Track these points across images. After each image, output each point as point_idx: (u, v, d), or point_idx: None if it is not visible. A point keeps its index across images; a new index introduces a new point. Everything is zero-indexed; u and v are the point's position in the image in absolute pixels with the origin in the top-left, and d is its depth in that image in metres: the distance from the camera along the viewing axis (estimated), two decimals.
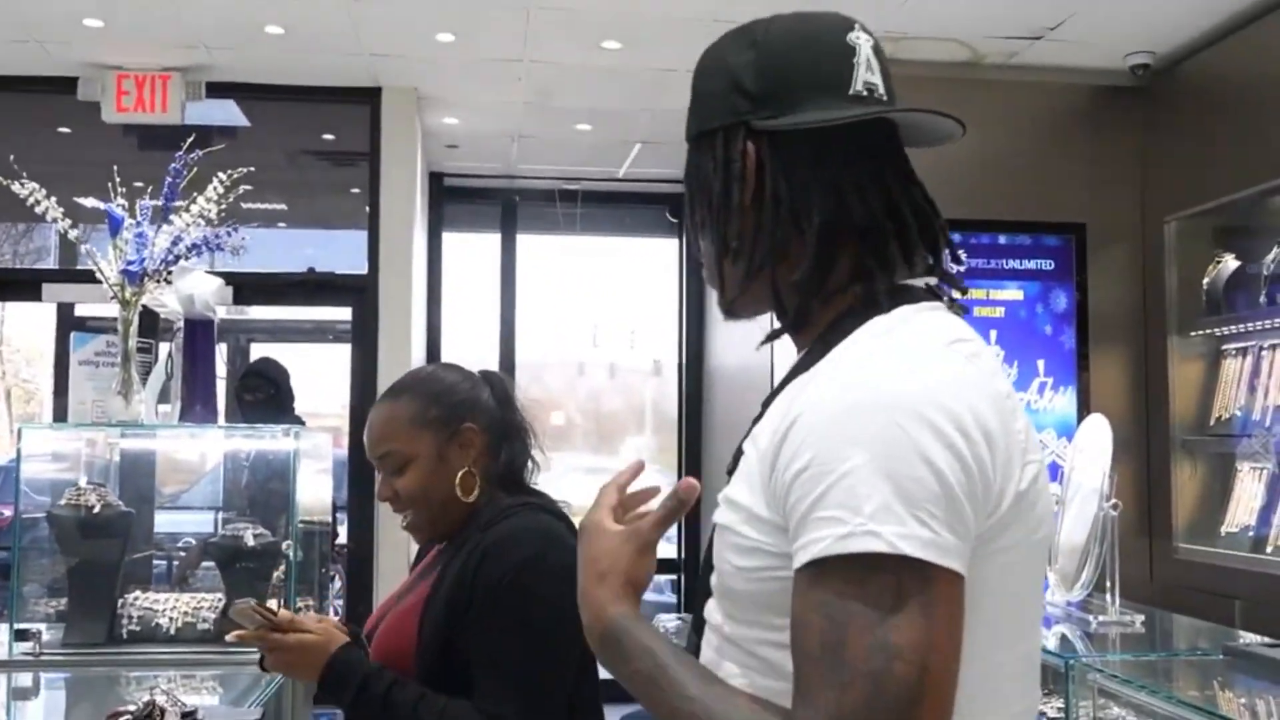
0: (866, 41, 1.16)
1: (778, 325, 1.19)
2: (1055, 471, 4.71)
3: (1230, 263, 4.60)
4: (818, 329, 1.13)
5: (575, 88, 5.48)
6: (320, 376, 6.97)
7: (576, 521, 1.86)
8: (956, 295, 1.18)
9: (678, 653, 1.05)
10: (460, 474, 1.90)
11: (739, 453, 1.10)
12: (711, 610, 1.11)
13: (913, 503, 0.91)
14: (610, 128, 6.15)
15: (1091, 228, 5.00)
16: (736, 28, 1.19)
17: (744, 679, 1.04)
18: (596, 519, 1.17)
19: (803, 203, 1.11)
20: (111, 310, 5.51)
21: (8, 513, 9.84)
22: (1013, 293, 4.95)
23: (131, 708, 2.15)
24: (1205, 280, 4.67)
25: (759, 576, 1.02)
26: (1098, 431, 3.21)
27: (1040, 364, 4.92)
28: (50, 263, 7.25)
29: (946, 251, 1.21)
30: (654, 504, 1.25)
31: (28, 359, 16.51)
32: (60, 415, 3.46)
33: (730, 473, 1.11)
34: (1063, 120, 5.06)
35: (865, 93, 1.15)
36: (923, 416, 0.93)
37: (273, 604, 2.16)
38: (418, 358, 5.99)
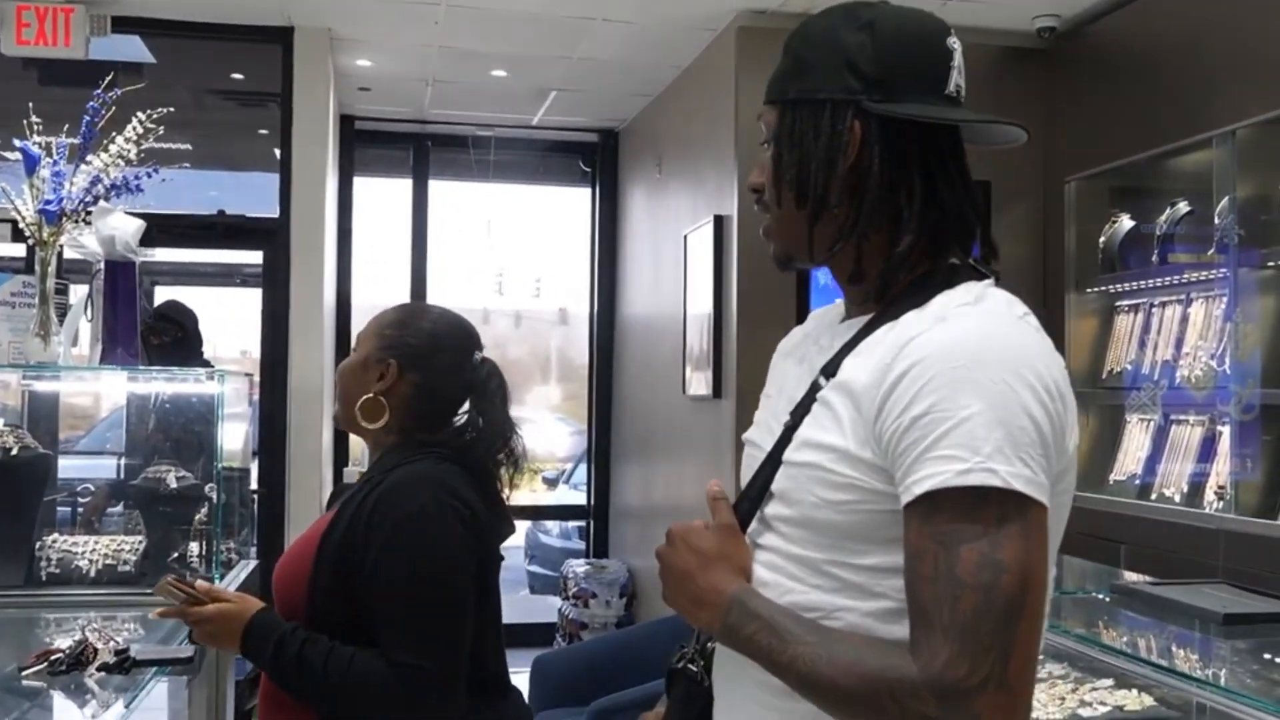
0: (959, 48, 1.33)
1: (839, 281, 1.32)
2: None
3: (1126, 222, 4.79)
4: (893, 291, 1.25)
5: (492, 33, 5.45)
6: (228, 320, 6.88)
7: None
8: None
9: (792, 612, 1.17)
10: (365, 398, 2.02)
11: (811, 397, 1.23)
12: (771, 538, 1.24)
13: (1018, 447, 1.07)
14: (526, 75, 6.13)
15: (995, 185, 5.12)
16: (841, 5, 1.30)
17: (804, 594, 1.19)
18: (686, 525, 1.28)
19: (904, 183, 1.24)
20: (4, 250, 5.37)
21: None
22: None
23: (64, 645, 2.16)
24: (1101, 239, 4.85)
25: (849, 509, 1.16)
26: None
27: None
28: None
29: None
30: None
31: None
32: None
33: (797, 414, 1.24)
34: (971, 81, 5.15)
35: (955, 94, 1.31)
36: (1023, 376, 1.10)
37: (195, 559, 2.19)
38: (329, 302, 5.95)
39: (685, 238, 5.64)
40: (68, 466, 5.78)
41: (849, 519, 1.16)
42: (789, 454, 1.23)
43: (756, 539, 1.27)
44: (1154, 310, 4.57)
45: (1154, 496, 4.40)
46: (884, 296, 1.26)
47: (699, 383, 5.40)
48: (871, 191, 1.24)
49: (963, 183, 1.32)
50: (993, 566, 1.04)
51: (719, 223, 5.18)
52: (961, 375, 1.09)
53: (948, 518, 1.07)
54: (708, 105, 5.49)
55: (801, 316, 4.95)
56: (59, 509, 4.38)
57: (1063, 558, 3.53)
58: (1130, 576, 3.36)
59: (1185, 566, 3.83)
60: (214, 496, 2.87)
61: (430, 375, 2.04)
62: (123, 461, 5.20)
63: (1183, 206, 4.47)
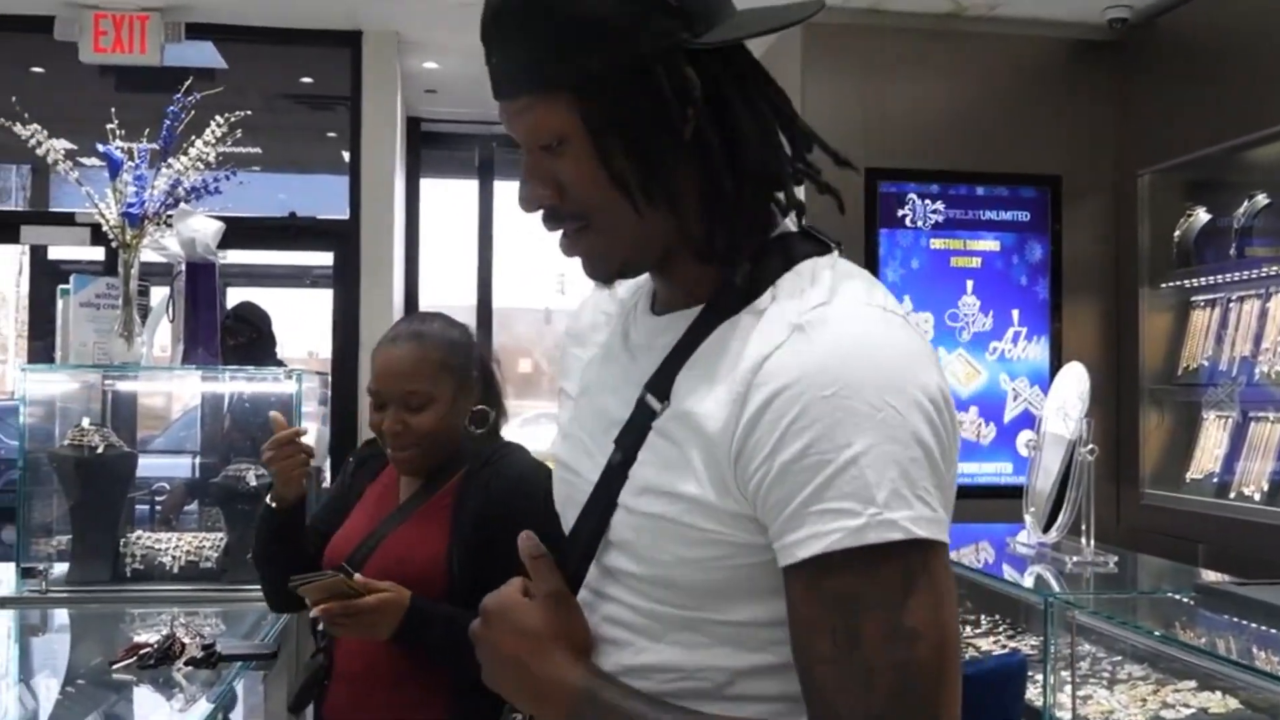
0: None
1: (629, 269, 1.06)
2: (1031, 420, 4.83)
3: (1201, 216, 4.70)
4: (713, 278, 1.02)
5: None
6: (299, 321, 6.97)
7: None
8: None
9: (654, 700, 0.98)
10: (475, 409, 2.07)
11: (643, 424, 1.01)
12: (617, 590, 1.03)
13: (914, 484, 0.89)
14: None
15: (1067, 180, 5.08)
16: None
17: (661, 653, 1.00)
18: (504, 600, 1.04)
19: (751, 127, 1.01)
20: (83, 254, 5.48)
21: None
22: (989, 244, 5.03)
23: (152, 639, 2.21)
24: (1176, 233, 4.77)
25: (714, 566, 0.97)
26: (1075, 379, 3.29)
27: (1015, 313, 5.01)
28: (13, 205, 7.16)
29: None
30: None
31: None
32: (48, 356, 3.47)
33: (626, 445, 1.02)
34: (1041, 73, 5.12)
35: None
36: (908, 394, 0.90)
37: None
38: (398, 303, 6.01)
39: None
40: (144, 465, 5.91)
41: (715, 576, 0.97)
42: (629, 499, 1.00)
43: (598, 588, 1.05)
44: (1231, 305, 4.48)
45: (1233, 495, 4.32)
46: (695, 280, 1.03)
47: None
48: (747, 146, 1.00)
49: (789, 110, 1.05)
50: (904, 638, 0.87)
51: None
52: (837, 404, 0.88)
53: (841, 583, 0.88)
54: None
55: None
56: (137, 506, 4.48)
57: (1138, 556, 3.48)
58: (1210, 576, 3.29)
59: (1267, 567, 3.76)
60: None
61: (479, 367, 2.12)
62: (198, 460, 5.30)
63: (1261, 199, 4.39)
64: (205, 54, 5.68)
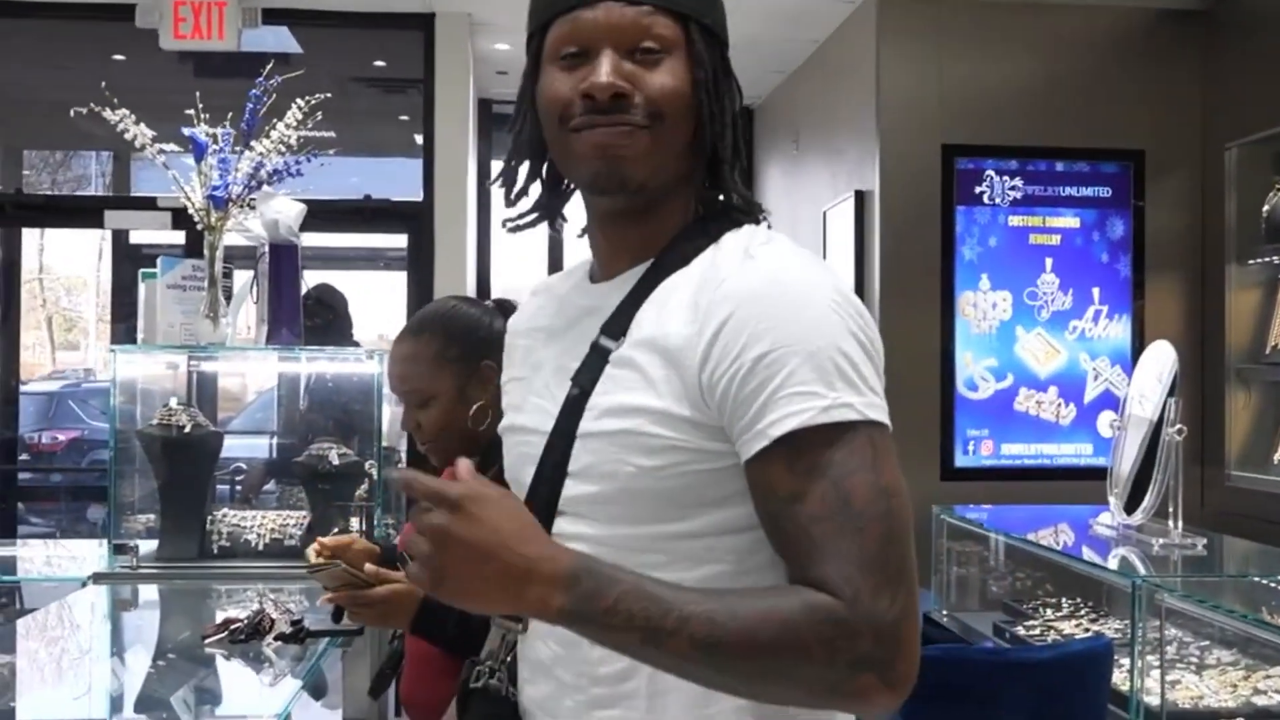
0: None
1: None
2: (1112, 400, 4.75)
3: None
4: (661, 237, 1.18)
5: None
6: (374, 302, 7.05)
7: None
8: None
9: (651, 579, 1.01)
10: (477, 405, 1.94)
11: (600, 361, 1.12)
12: (576, 524, 1.11)
13: (862, 377, 1.05)
14: None
15: (1150, 154, 4.97)
16: None
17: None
18: (476, 489, 0.99)
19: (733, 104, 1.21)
20: (164, 238, 5.56)
21: (63, 437, 9.99)
22: (1069, 220, 4.94)
23: (243, 615, 2.25)
24: (1265, 208, 4.64)
25: (671, 473, 1.08)
26: (1161, 358, 3.23)
27: (1095, 292, 4.92)
28: (94, 190, 7.31)
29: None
30: None
31: (67, 288, 16.68)
32: (130, 339, 3.54)
33: (582, 382, 1.13)
34: (1123, 45, 5.01)
35: None
36: (847, 304, 1.08)
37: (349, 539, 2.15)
38: (471, 285, 6.05)
39: (825, 214, 5.58)
40: (224, 445, 6.03)
41: (671, 484, 1.08)
42: (588, 426, 1.12)
43: (560, 531, 1.11)
44: None
45: None
46: (670, 243, 1.17)
47: None
48: (728, 118, 1.19)
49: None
50: (883, 493, 1.02)
51: (860, 198, 5.11)
52: (795, 312, 1.05)
53: (820, 454, 1.03)
54: (847, 79, 5.41)
55: (948, 290, 4.84)
56: (217, 486, 4.57)
57: (1224, 539, 3.41)
58: None
59: None
60: (374, 473, 2.95)
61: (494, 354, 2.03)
62: (275, 440, 5.38)
63: None
64: (281, 38, 5.75)
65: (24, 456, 8.46)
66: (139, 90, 6.05)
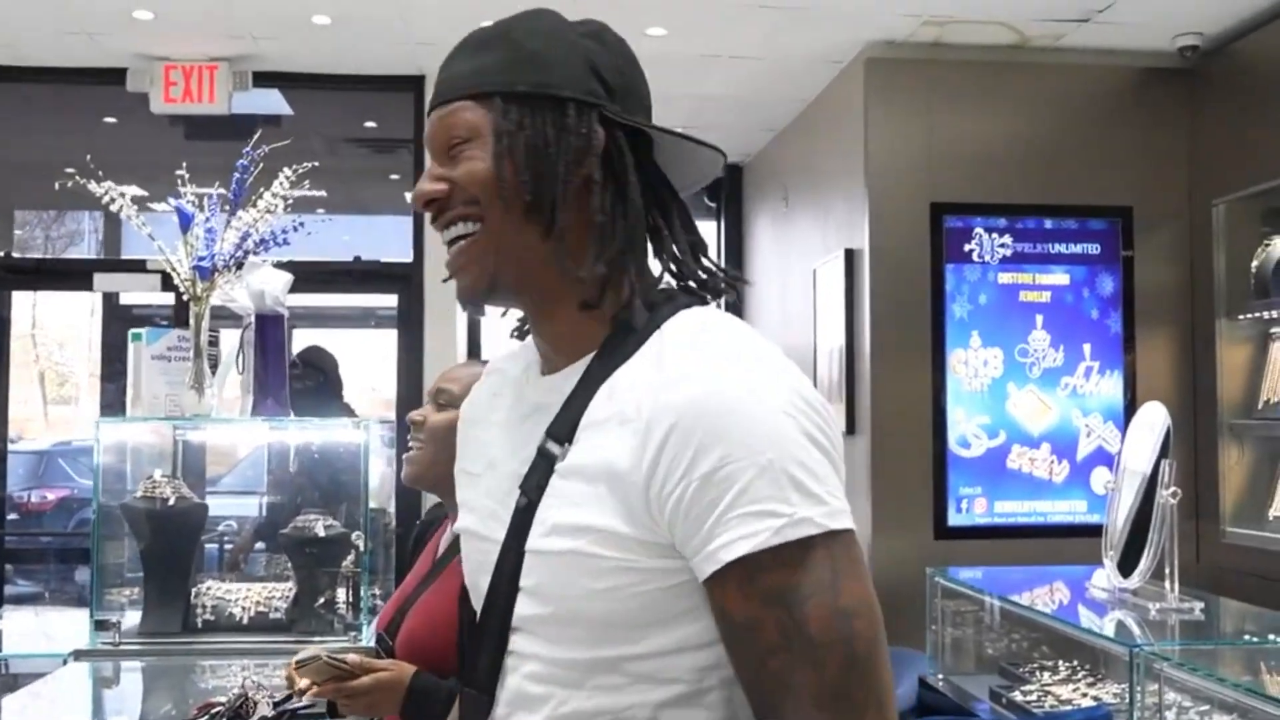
0: None
1: (520, 318, 1.19)
2: (1106, 456, 4.73)
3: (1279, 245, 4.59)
4: (597, 330, 1.11)
5: None
6: (366, 362, 7.03)
7: None
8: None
9: None
10: None
11: (546, 469, 1.07)
12: (530, 642, 1.08)
13: (820, 480, 0.98)
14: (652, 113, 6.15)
15: (1138, 211, 4.98)
16: (552, 10, 1.17)
17: (585, 700, 1.05)
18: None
19: (643, 199, 1.12)
20: (154, 299, 5.54)
21: (52, 496, 9.92)
22: (1059, 277, 4.94)
23: (222, 700, 2.20)
24: (1254, 263, 4.66)
25: (623, 595, 1.02)
26: (1154, 419, 3.21)
27: (1086, 348, 4.92)
28: (86, 250, 7.31)
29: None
30: None
31: (60, 343, 16.70)
32: (119, 399, 3.52)
33: (530, 491, 1.08)
34: (1109, 103, 5.04)
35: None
36: (801, 405, 1.01)
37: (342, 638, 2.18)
38: (461, 345, 6.03)
39: (815, 271, 5.58)
40: (213, 505, 5.98)
41: (623, 605, 1.02)
42: (536, 543, 1.06)
43: (517, 648, 1.09)
44: None
45: None
46: (612, 333, 1.11)
47: None
48: (634, 204, 1.11)
49: (678, 207, 1.18)
50: (843, 616, 0.96)
51: (849, 256, 5.12)
52: (743, 421, 0.98)
53: (775, 578, 0.96)
54: (835, 137, 5.44)
55: (939, 349, 4.84)
56: (206, 546, 4.51)
57: (1221, 601, 3.37)
58: None
59: None
60: (360, 544, 2.91)
61: None
62: (265, 500, 5.34)
63: None
64: (271, 101, 5.77)
65: (13, 515, 8.40)
66: (130, 152, 6.09)
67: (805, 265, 5.78)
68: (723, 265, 1.20)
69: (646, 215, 1.14)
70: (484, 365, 2.10)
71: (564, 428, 1.08)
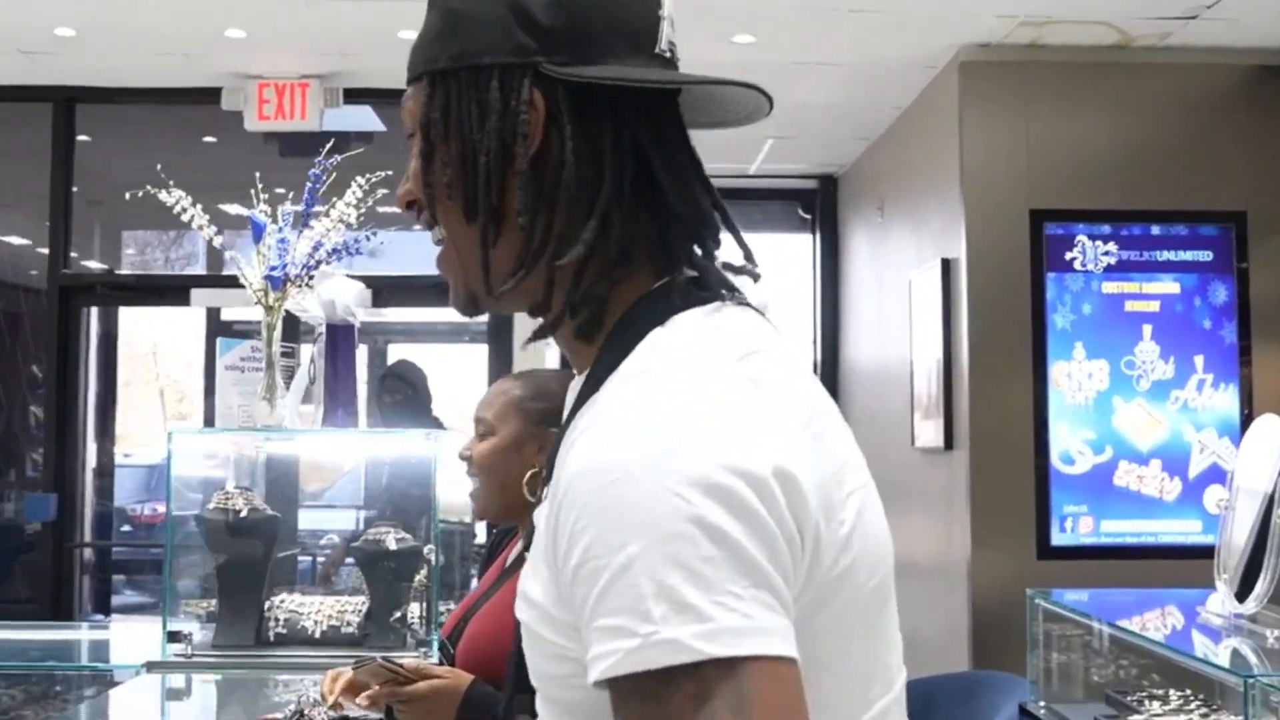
0: None
1: (540, 324, 0.96)
2: (1220, 474, 4.48)
3: None
4: (601, 334, 0.91)
5: None
6: (457, 376, 7.05)
7: None
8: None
9: None
10: (530, 472, 1.95)
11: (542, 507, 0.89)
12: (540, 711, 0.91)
13: (710, 588, 0.72)
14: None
15: (1253, 216, 4.74)
16: None
17: None
18: None
19: (604, 174, 0.89)
20: (255, 314, 5.64)
21: (162, 509, 10.22)
22: (1168, 286, 4.71)
23: (279, 716, 2.17)
24: None
25: (572, 684, 0.82)
26: (1271, 433, 3.03)
27: (1199, 360, 4.68)
28: (198, 268, 7.49)
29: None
30: None
31: (185, 361, 17.25)
32: (209, 418, 3.55)
33: (530, 536, 0.91)
34: (1220, 103, 4.81)
35: (668, 54, 0.96)
36: (704, 479, 0.75)
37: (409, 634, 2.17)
38: (551, 357, 6.01)
39: (910, 282, 5.43)
40: (311, 519, 6.03)
41: (575, 695, 0.81)
42: (516, 606, 0.89)
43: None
44: None
45: None
46: (584, 339, 0.92)
47: (929, 432, 5.15)
48: (569, 188, 0.88)
49: (693, 169, 0.96)
50: None
51: (946, 266, 4.96)
52: (615, 494, 0.75)
53: (632, 713, 0.74)
54: (930, 145, 5.29)
55: (1040, 360, 4.67)
56: (300, 559, 4.52)
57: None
58: None
59: None
60: (432, 558, 2.87)
61: None
62: (362, 514, 5.37)
63: None
64: (363, 117, 5.83)
65: (126, 528, 8.62)
66: (228, 170, 6.20)
67: (901, 276, 5.63)
68: (745, 251, 0.99)
69: (630, 185, 0.91)
70: (514, 380, 2.08)
71: (549, 468, 0.90)
